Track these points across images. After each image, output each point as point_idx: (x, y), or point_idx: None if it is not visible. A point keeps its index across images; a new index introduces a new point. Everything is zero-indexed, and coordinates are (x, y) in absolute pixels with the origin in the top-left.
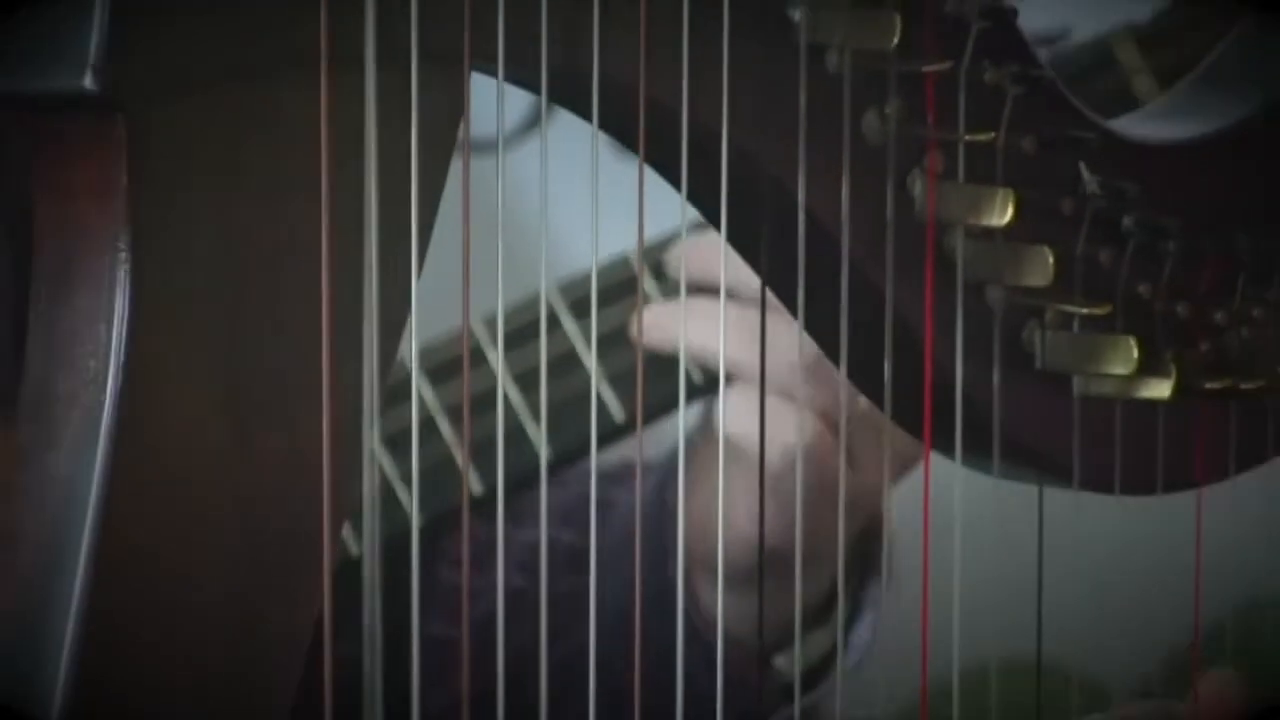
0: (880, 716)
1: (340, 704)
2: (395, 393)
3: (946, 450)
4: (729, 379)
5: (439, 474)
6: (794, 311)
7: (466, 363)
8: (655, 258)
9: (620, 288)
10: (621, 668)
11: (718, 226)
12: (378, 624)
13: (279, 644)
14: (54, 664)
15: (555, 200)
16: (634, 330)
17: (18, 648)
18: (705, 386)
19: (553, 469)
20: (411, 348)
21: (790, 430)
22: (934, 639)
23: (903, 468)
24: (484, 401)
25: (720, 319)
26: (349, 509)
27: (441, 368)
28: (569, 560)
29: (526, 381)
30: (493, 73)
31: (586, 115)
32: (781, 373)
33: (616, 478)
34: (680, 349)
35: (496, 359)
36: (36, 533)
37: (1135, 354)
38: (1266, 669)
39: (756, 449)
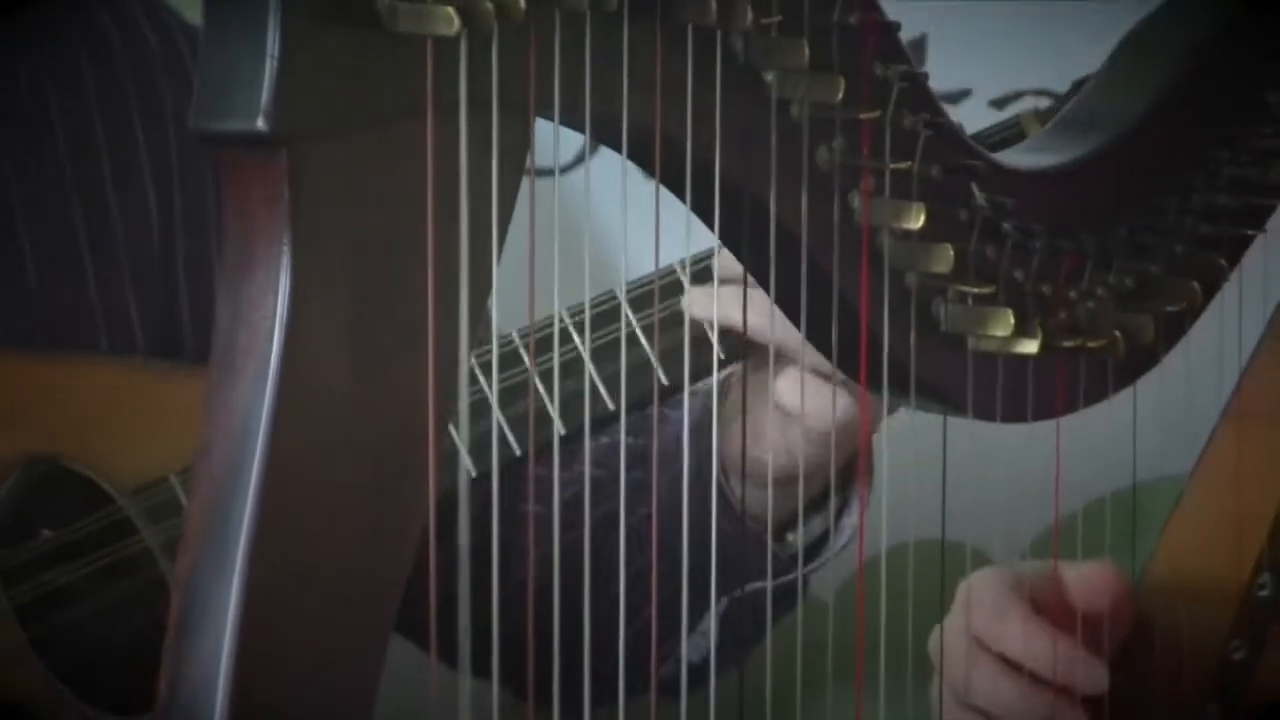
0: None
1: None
2: (506, 359)
3: (877, 391)
4: (749, 346)
5: (530, 419)
6: (768, 291)
7: (531, 348)
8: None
9: (669, 289)
10: (674, 538)
11: (711, 228)
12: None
13: (400, 530)
14: (236, 537)
15: (599, 212)
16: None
17: (211, 526)
18: (727, 359)
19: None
20: (493, 320)
21: (795, 384)
22: (870, 526)
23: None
24: (569, 369)
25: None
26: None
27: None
28: (634, 458)
29: (599, 355)
30: (550, 118)
31: (618, 149)
32: (790, 341)
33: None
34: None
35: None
36: (224, 446)
37: (1011, 321)
38: (1109, 546)
39: (772, 394)
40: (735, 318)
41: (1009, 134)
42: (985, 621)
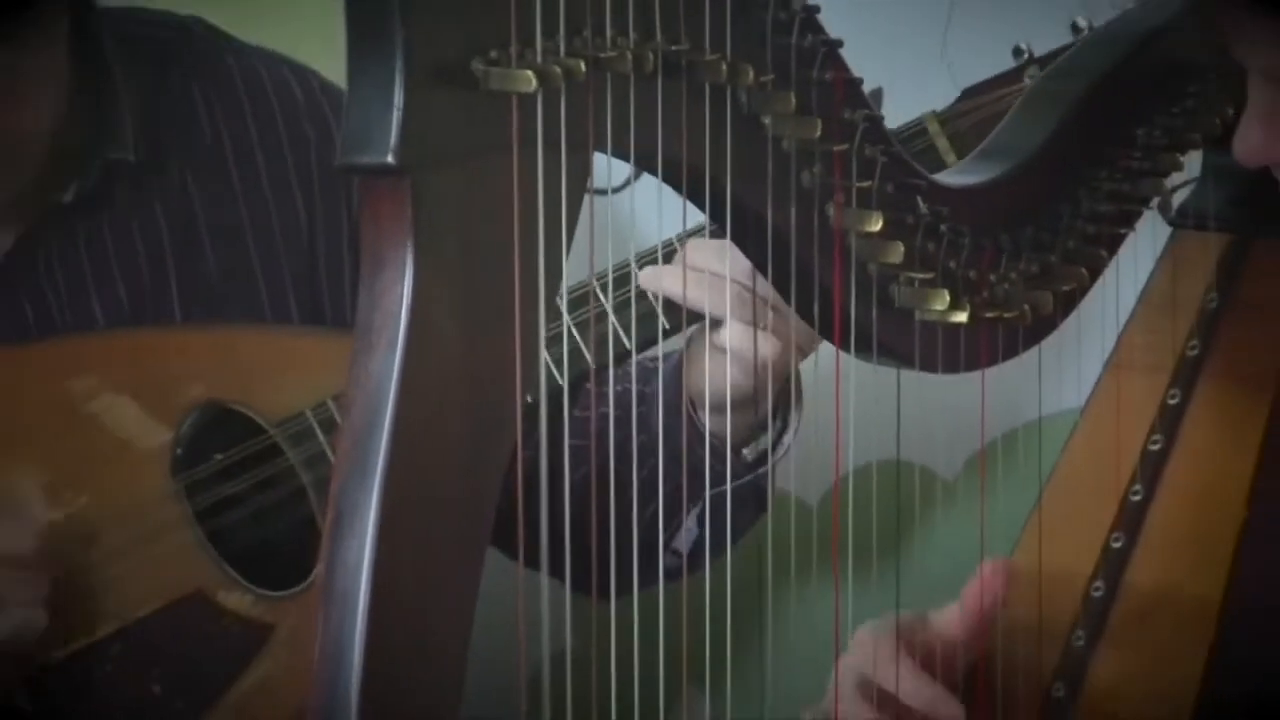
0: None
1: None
2: (574, 303)
3: (845, 350)
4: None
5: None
6: (765, 276)
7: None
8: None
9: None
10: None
11: (737, 240)
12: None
13: (493, 460)
14: (374, 467)
15: (641, 223)
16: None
17: (355, 460)
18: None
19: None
20: (564, 294)
21: (748, 336)
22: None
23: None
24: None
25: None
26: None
27: (579, 299)
28: (640, 397)
29: (619, 308)
30: (604, 152)
31: (655, 175)
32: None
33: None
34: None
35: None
36: (363, 401)
37: (947, 299)
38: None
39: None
40: (673, 290)
41: (914, 130)
42: (868, 662)
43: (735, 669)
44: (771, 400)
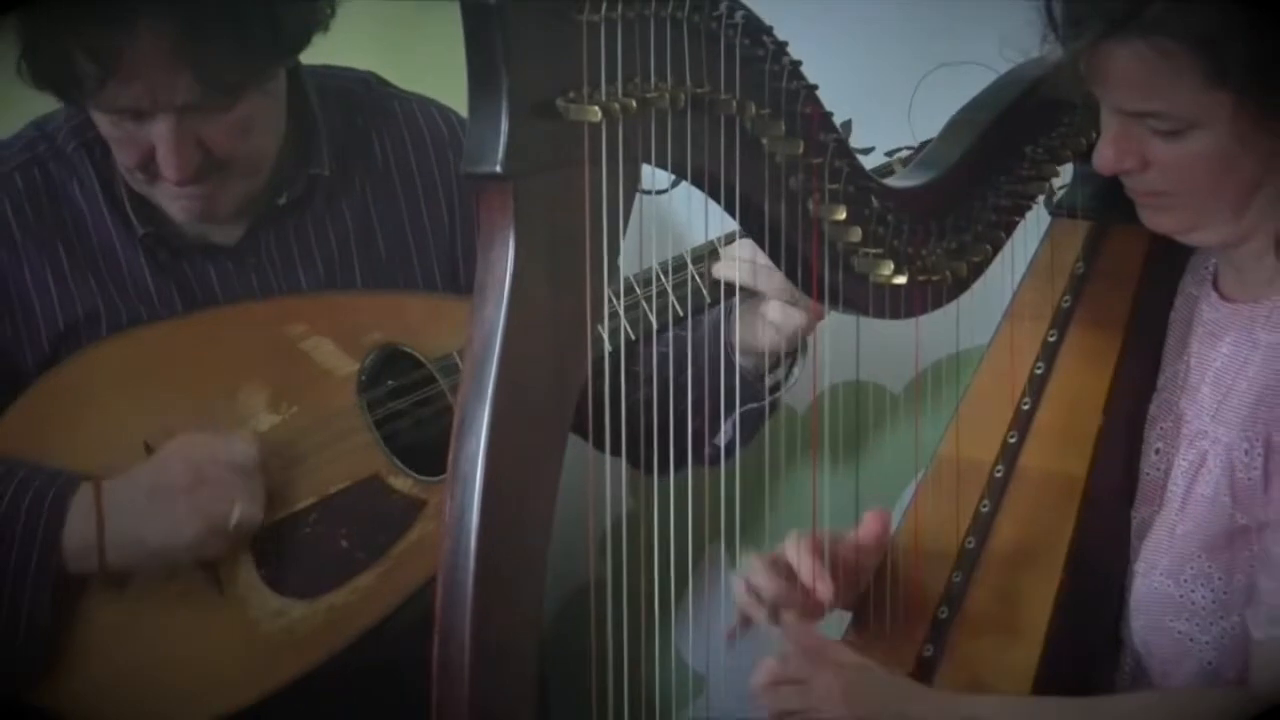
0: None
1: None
2: (642, 277)
3: (823, 302)
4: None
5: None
6: (767, 254)
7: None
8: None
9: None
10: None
11: (745, 228)
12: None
13: (572, 382)
14: (486, 386)
15: (680, 218)
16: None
17: (474, 380)
18: (713, 300)
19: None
20: (620, 278)
21: (776, 310)
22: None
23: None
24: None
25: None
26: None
27: (645, 281)
28: (685, 346)
29: (676, 284)
30: (651, 164)
31: (698, 185)
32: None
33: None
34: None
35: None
36: (480, 339)
37: (891, 267)
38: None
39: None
40: (737, 276)
41: (886, 167)
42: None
43: (744, 529)
44: (786, 350)
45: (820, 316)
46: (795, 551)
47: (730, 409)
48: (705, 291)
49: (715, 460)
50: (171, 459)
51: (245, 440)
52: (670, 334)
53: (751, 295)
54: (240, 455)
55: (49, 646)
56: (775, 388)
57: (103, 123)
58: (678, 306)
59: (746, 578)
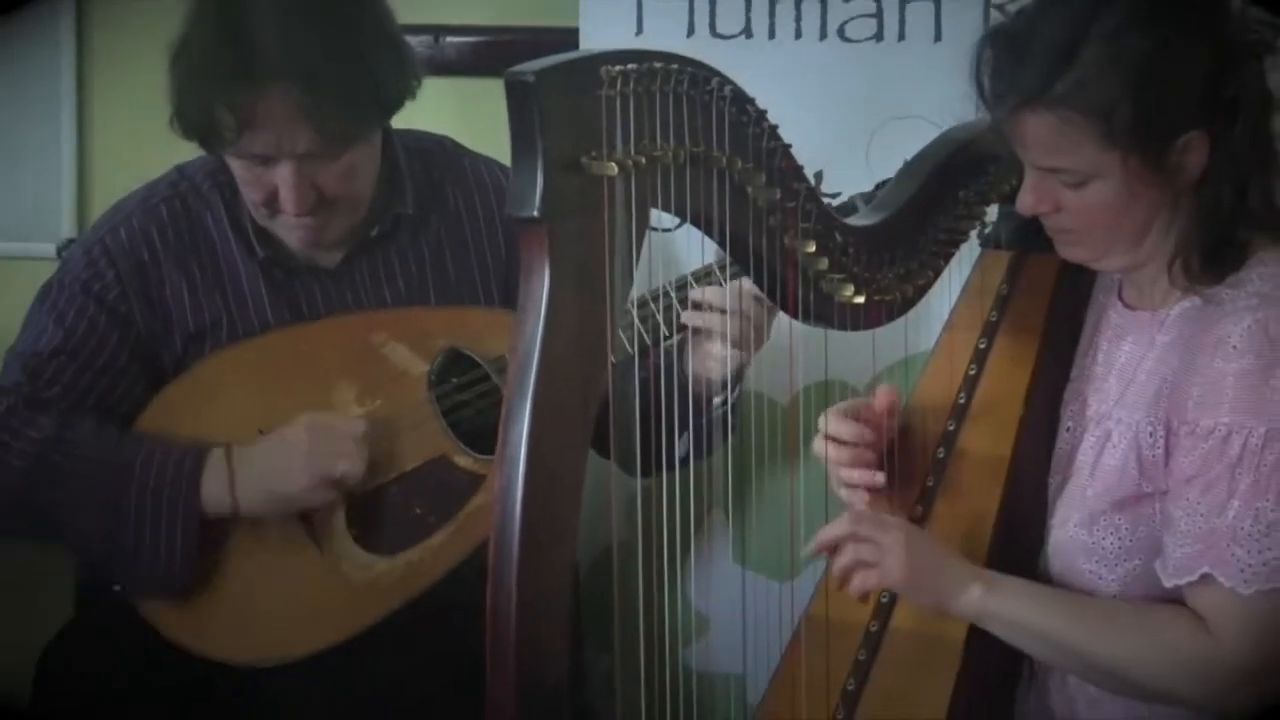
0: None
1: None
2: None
3: (797, 318)
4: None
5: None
6: (750, 278)
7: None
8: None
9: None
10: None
11: (733, 258)
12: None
13: (594, 386)
14: (527, 385)
15: (683, 254)
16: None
17: (525, 379)
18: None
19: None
20: (635, 294)
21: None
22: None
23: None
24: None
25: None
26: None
27: (646, 303)
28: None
29: (643, 316)
30: (656, 206)
31: (697, 225)
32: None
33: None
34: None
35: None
36: (523, 347)
37: (852, 289)
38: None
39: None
40: (696, 323)
41: (847, 204)
42: (831, 425)
43: (737, 500)
44: (731, 377)
45: (757, 349)
46: (840, 416)
47: (685, 425)
48: (664, 326)
49: (685, 465)
50: (296, 426)
51: (356, 417)
52: (650, 359)
53: (699, 333)
54: (351, 424)
55: (189, 576)
56: (721, 405)
57: (236, 166)
58: (645, 336)
59: (827, 430)
